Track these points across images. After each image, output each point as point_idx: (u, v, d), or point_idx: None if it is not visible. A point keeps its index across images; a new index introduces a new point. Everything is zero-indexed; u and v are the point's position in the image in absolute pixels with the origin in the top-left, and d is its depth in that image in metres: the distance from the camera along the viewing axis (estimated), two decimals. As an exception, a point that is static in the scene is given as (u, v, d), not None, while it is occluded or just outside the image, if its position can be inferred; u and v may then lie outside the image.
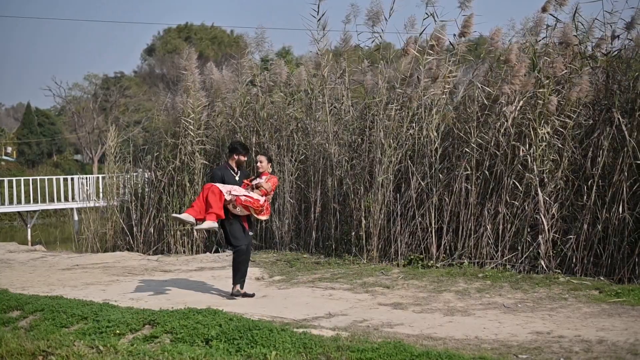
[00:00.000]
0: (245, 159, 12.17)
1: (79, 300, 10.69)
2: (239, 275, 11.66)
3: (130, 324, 9.19)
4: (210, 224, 11.05)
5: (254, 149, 17.31)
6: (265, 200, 11.54)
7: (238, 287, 11.65)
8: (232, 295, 11.59)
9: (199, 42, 66.46)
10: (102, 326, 9.20)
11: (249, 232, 11.69)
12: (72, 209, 31.59)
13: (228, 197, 11.09)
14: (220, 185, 11.19)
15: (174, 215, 11.86)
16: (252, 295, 11.64)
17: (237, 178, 11.72)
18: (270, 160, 12.24)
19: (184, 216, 11.16)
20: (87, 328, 9.28)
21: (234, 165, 11.89)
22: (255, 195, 11.41)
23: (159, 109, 20.55)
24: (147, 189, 19.24)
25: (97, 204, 22.17)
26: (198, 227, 11.23)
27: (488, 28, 14.88)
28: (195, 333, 8.67)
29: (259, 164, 11.94)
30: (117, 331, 9.05)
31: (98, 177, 28.30)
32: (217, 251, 17.42)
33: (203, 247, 17.98)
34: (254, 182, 11.71)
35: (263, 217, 11.81)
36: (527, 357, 7.89)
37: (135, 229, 18.86)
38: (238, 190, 11.29)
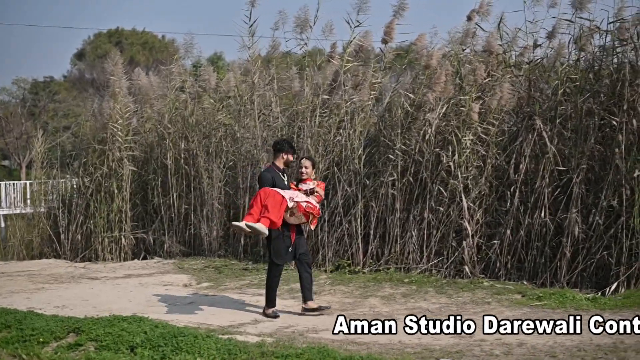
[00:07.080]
0: (293, 159, 11.07)
1: (2, 309, 10.56)
2: (272, 296, 10.74)
3: (54, 332, 9.13)
4: (262, 227, 9.82)
5: (182, 155, 17.28)
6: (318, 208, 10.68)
7: (271, 309, 10.71)
8: (265, 316, 10.65)
9: (130, 47, 65.71)
10: (26, 334, 9.12)
11: (294, 246, 10.54)
12: (-2, 216, 31.08)
13: (290, 204, 10.15)
14: (280, 191, 10.17)
15: (249, 224, 9.91)
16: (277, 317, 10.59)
17: (285, 181, 10.66)
18: (314, 165, 11.17)
19: (258, 226, 9.81)
20: (10, 337, 9.18)
21: (281, 166, 10.75)
22: (313, 201, 10.51)
23: (87, 114, 20.34)
24: (74, 196, 19.02)
25: (23, 211, 21.86)
26: (250, 225, 9.79)
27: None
28: (120, 340, 8.65)
29: (303, 169, 10.78)
30: (41, 339, 8.98)
31: (26, 184, 27.87)
32: (144, 258, 17.33)
33: (131, 255, 17.82)
34: (306, 188, 10.65)
35: (313, 226, 10.98)
36: (448, 360, 8.07)
37: (62, 236, 18.57)
38: (299, 197, 10.37)
